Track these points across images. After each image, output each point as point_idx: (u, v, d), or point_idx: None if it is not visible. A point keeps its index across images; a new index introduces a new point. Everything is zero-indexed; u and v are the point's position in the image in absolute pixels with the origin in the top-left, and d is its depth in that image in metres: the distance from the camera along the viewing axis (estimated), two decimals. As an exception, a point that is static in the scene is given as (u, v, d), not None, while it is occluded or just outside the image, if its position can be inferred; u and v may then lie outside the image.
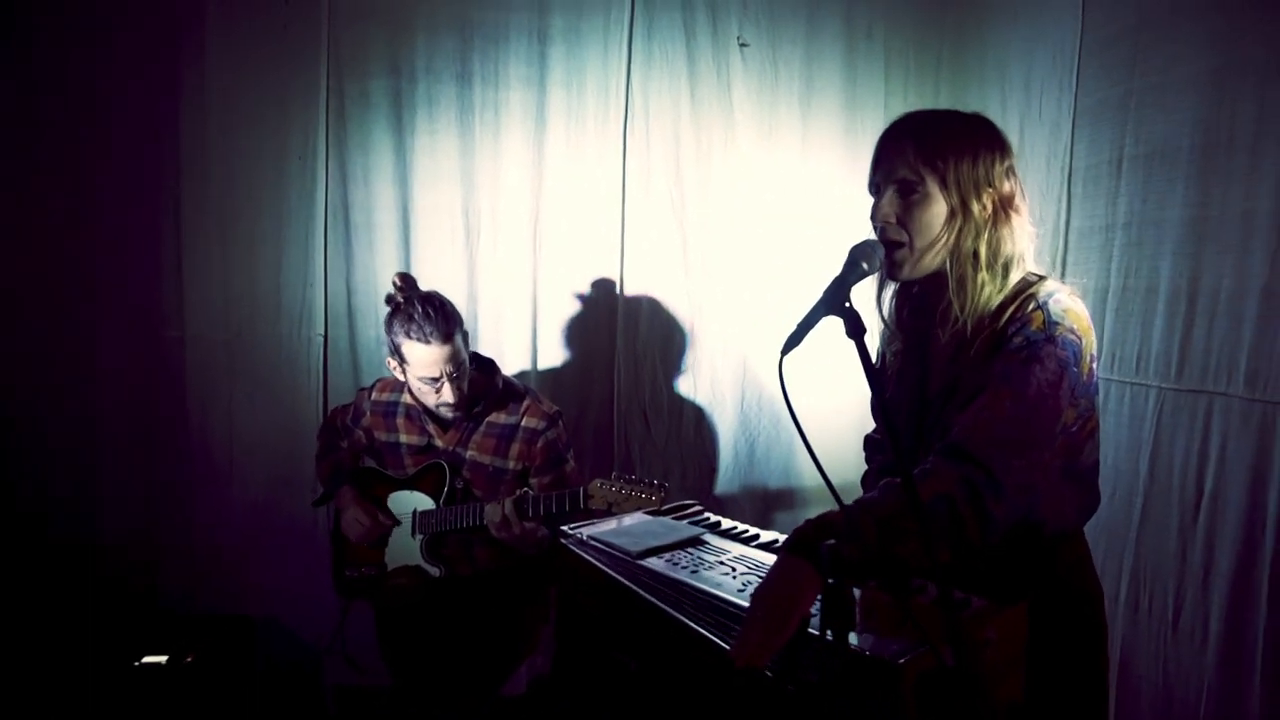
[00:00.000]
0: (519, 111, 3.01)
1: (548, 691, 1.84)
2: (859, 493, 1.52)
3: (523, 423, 2.40)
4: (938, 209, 1.43)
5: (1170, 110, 2.15)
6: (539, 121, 3.02)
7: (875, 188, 1.51)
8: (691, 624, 1.30)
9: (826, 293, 1.35)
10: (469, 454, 2.40)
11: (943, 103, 3.08)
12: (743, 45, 3.04)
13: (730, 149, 3.08)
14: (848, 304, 1.34)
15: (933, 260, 1.45)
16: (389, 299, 2.36)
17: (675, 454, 3.17)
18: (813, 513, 3.33)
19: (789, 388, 3.36)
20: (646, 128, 3.04)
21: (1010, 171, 1.46)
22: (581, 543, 1.65)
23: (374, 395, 2.54)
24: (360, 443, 2.59)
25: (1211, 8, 2.07)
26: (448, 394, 2.28)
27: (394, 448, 2.49)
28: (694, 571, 1.47)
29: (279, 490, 3.05)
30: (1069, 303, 1.39)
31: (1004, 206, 1.43)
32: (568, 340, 3.14)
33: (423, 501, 2.44)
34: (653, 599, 1.39)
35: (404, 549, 2.45)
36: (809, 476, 3.19)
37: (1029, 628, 1.34)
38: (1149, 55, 2.22)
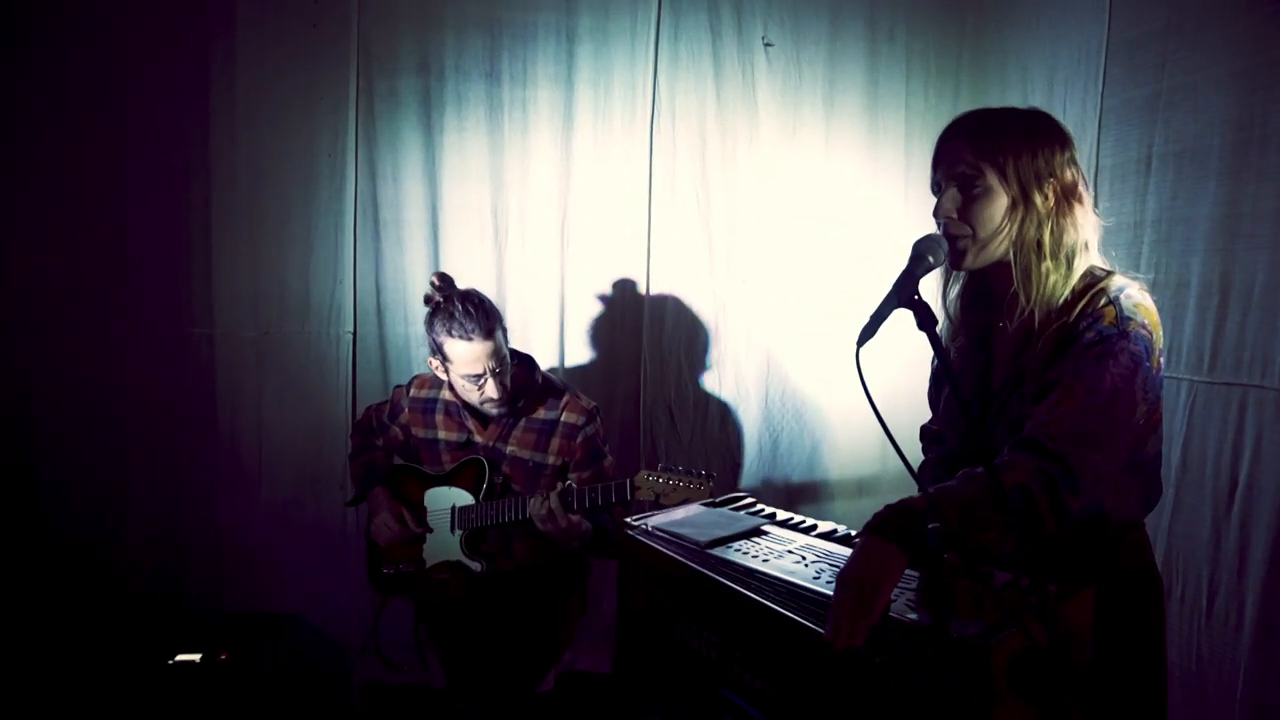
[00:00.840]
0: (547, 110, 3.04)
1: (610, 681, 1.84)
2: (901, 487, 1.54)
3: (563, 418, 2.42)
4: (999, 202, 1.46)
5: (1200, 110, 2.20)
6: (566, 120, 3.05)
7: (937, 186, 1.54)
8: (782, 610, 1.33)
9: (895, 286, 1.38)
10: (509, 449, 2.42)
11: (962, 104, 3.14)
12: (767, 46, 3.08)
13: (755, 149, 3.12)
14: (917, 296, 1.37)
15: (996, 249, 1.48)
16: (427, 299, 2.37)
17: (700, 449, 3.21)
18: (836, 506, 3.40)
19: (812, 382, 3.37)
20: (673, 127, 3.08)
21: (1072, 162, 1.49)
22: (648, 533, 1.68)
23: (412, 392, 2.55)
24: (396, 439, 2.60)
25: (1240, 12, 2.13)
26: (491, 390, 2.30)
27: (432, 444, 2.50)
28: (765, 560, 1.50)
29: (307, 488, 3.07)
30: (1139, 298, 1.43)
31: (1066, 196, 1.47)
32: (594, 338, 3.17)
33: (461, 497, 2.45)
34: (738, 587, 1.42)
35: (443, 544, 2.46)
36: (832, 471, 3.23)
37: (1096, 613, 1.38)
38: (1178, 57, 2.28)
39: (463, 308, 2.26)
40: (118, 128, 2.83)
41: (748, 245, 3.15)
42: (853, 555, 1.30)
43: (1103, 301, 1.41)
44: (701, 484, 2.05)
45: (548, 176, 3.06)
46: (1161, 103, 2.32)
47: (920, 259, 1.42)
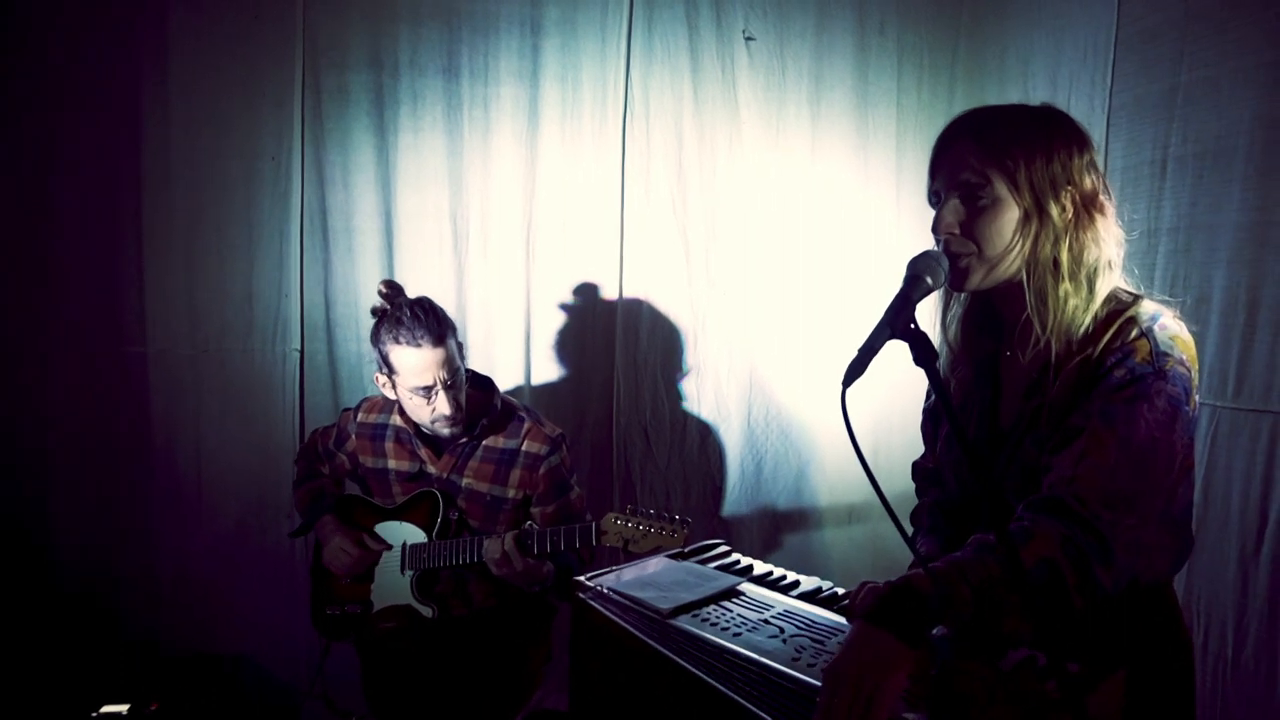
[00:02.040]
0: (510, 108, 2.82)
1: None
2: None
3: (524, 447, 2.20)
4: (1009, 215, 1.25)
5: (1224, 106, 2.00)
6: (532, 119, 2.83)
7: (935, 196, 1.33)
8: (753, 708, 1.11)
9: (888, 314, 1.17)
10: (465, 481, 2.20)
11: (958, 101, 2.93)
12: (749, 39, 2.87)
13: (735, 150, 2.91)
14: (913, 325, 1.16)
15: (1006, 269, 1.27)
16: (375, 309, 2.17)
17: (678, 473, 2.99)
18: (826, 534, 3.17)
19: (799, 400, 3.14)
20: (647, 126, 2.87)
21: (1091, 166, 1.28)
22: (602, 596, 1.45)
23: (360, 416, 2.32)
24: (343, 468, 2.38)
25: (1269, -4, 1.92)
26: (443, 405, 2.08)
27: (381, 474, 2.28)
28: (737, 634, 1.28)
29: (251, 518, 2.85)
30: (1175, 328, 1.21)
31: (1086, 206, 1.26)
32: (563, 353, 2.95)
33: (413, 534, 2.23)
34: (702, 674, 1.19)
35: (393, 586, 2.24)
36: (821, 495, 3.02)
37: (1126, 696, 1.17)
38: (1198, 48, 2.07)
39: (410, 313, 2.07)
40: (40, 127, 2.59)
41: (728, 253, 2.93)
42: (845, 646, 1.07)
43: (1134, 333, 1.19)
44: (675, 530, 1.85)
45: (511, 180, 2.83)
46: (1179, 99, 2.11)
47: (917, 280, 1.21)
